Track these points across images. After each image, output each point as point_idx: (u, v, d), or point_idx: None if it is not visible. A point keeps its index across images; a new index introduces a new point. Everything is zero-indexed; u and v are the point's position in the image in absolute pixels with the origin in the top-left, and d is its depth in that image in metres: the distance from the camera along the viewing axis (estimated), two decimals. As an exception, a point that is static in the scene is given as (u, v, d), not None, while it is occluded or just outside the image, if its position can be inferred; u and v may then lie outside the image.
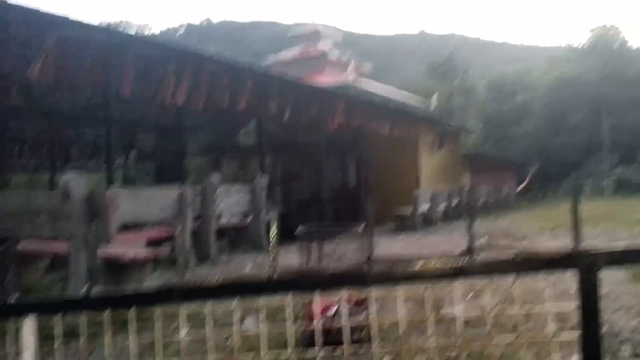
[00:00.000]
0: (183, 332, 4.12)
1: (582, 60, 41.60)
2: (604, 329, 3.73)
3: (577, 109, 38.66)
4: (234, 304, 1.22)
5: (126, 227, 8.23)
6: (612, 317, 4.31)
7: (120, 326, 1.44)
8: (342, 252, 3.99)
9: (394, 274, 0.89)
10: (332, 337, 3.91)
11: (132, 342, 1.18)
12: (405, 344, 3.81)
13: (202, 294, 0.92)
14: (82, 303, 0.95)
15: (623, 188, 31.11)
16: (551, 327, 1.42)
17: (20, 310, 0.99)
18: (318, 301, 3.79)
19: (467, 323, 4.35)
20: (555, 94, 40.36)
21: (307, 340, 3.98)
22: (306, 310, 3.93)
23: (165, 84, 9.11)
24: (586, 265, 0.99)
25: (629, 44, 44.34)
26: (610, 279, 5.34)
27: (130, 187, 14.72)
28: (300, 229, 3.70)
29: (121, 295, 0.97)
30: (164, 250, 4.94)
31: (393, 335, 4.10)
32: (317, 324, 3.93)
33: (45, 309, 0.99)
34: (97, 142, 17.53)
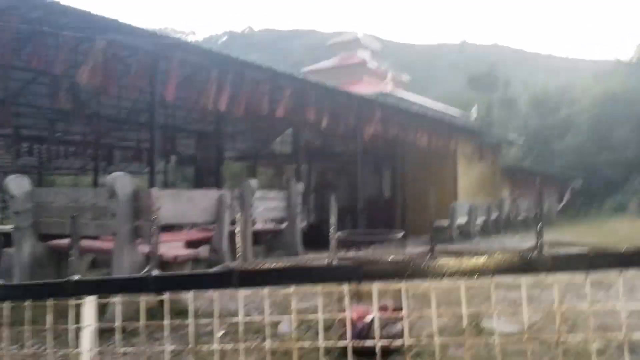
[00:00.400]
0: (220, 333, 4.12)
1: (629, 75, 40.47)
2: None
3: (623, 125, 37.57)
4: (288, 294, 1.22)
5: (166, 228, 8.40)
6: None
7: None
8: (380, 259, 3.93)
9: (453, 266, 0.86)
10: (366, 348, 3.89)
11: (190, 326, 1.18)
12: (443, 358, 3.76)
13: (260, 278, 0.92)
14: (142, 283, 0.97)
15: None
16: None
17: (82, 290, 1.02)
18: (352, 308, 3.78)
19: (507, 338, 4.26)
20: (600, 108, 39.34)
21: (341, 348, 3.97)
22: (340, 317, 3.90)
23: (207, 89, 9.28)
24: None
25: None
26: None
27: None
28: (339, 234, 3.68)
29: (181, 276, 0.98)
30: (203, 251, 5.02)
31: (430, 348, 4.06)
32: (353, 333, 3.92)
33: (106, 288, 1.02)
34: (140, 146, 17.99)
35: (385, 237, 4.02)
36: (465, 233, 14.35)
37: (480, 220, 15.65)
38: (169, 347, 1.25)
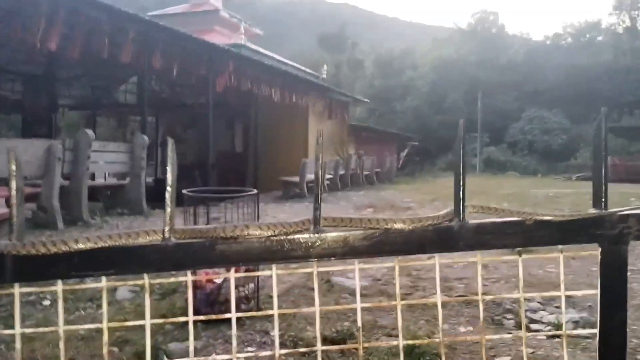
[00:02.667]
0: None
1: (463, 43, 43.98)
2: (488, 298, 3.83)
3: (456, 89, 40.95)
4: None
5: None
6: (493, 288, 4.49)
7: None
8: (230, 218, 3.72)
9: (349, 244, 0.64)
10: (218, 309, 3.67)
11: None
12: (295, 315, 3.68)
13: (52, 266, 0.61)
14: None
15: (491, 166, 33.65)
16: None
17: None
18: (203, 270, 3.52)
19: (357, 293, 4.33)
20: (437, 73, 42.37)
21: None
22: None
23: (34, 25, 8.09)
24: (615, 235, 0.71)
25: (506, 29, 47.59)
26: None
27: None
28: (185, 192, 3.36)
29: None
30: (25, 210, 4.33)
31: (282, 306, 3.97)
32: (202, 294, 3.67)
33: None
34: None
35: (237, 195, 3.77)
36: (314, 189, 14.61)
37: (328, 176, 16.03)
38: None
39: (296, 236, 0.63)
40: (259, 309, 3.72)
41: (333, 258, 0.63)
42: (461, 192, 0.68)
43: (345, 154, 19.60)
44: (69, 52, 8.99)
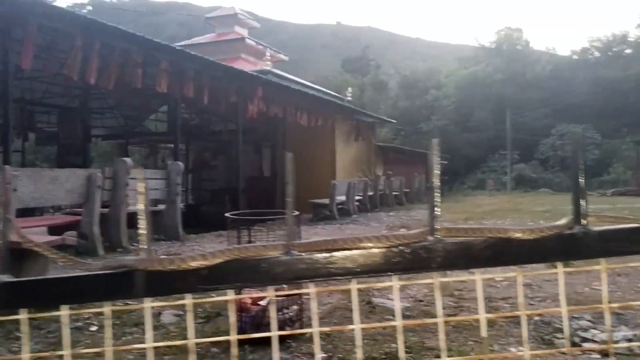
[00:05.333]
0: (94, 328, 3.65)
1: (488, 60, 43.83)
2: (537, 318, 3.73)
3: (483, 107, 40.72)
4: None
5: (25, 212, 7.48)
6: (539, 307, 4.39)
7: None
8: (271, 239, 3.73)
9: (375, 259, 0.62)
10: (263, 331, 3.67)
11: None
12: (340, 336, 3.65)
13: (184, 280, 0.62)
14: None
15: (522, 183, 33.17)
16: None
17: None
18: (247, 293, 3.54)
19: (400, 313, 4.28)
20: (463, 92, 42.24)
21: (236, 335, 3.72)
22: (236, 302, 3.64)
23: (72, 60, 8.35)
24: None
25: (531, 45, 47.27)
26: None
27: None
28: (228, 215, 3.41)
29: (45, 282, 0.63)
30: (70, 237, 4.41)
31: (326, 326, 3.94)
32: (246, 317, 3.67)
33: None
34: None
35: (276, 217, 3.81)
36: (345, 210, 14.60)
37: (357, 197, 16.02)
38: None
39: (417, 247, 0.63)
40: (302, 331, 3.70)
41: (455, 269, 0.64)
42: (580, 199, 0.68)
43: (373, 174, 19.58)
44: (104, 84, 9.24)
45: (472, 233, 0.64)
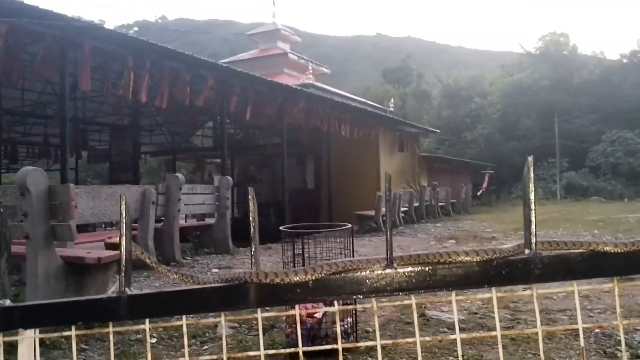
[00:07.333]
0: (153, 340, 3.76)
1: (533, 67, 42.90)
2: (597, 330, 3.63)
3: (529, 114, 39.83)
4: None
5: (83, 228, 7.77)
6: (599, 319, 4.26)
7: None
8: (326, 252, 3.79)
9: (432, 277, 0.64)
10: (319, 344, 3.70)
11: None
12: (396, 349, 3.65)
13: (170, 303, 0.67)
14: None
15: (572, 192, 32.17)
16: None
17: (18, 322, 0.72)
18: (302, 305, 3.58)
19: (454, 326, 4.23)
20: (508, 99, 41.46)
21: (290, 347, 3.76)
22: (288, 315, 3.69)
23: (124, 79, 8.67)
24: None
25: (578, 50, 45.96)
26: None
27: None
28: (282, 228, 3.49)
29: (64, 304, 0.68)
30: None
31: (381, 339, 3.95)
32: (303, 330, 3.72)
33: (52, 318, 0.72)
34: (47, 141, 16.75)
35: (330, 230, 3.84)
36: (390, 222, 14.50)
37: (403, 208, 15.91)
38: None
39: (515, 260, 0.65)
40: (357, 342, 3.71)
41: (552, 281, 0.66)
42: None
43: (418, 185, 19.42)
44: (157, 103, 9.53)
45: (568, 247, 0.66)
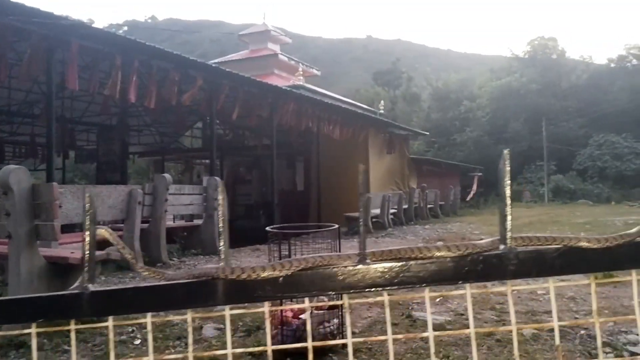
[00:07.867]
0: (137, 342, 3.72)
1: (522, 70, 43.21)
2: (582, 332, 3.65)
3: (518, 117, 40.09)
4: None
5: (65, 228, 7.68)
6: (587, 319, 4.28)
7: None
8: (313, 253, 3.75)
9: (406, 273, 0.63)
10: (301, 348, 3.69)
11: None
12: (381, 349, 3.63)
13: (135, 300, 0.64)
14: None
15: (560, 195, 32.41)
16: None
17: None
18: (288, 306, 3.56)
19: (440, 327, 4.23)
20: (497, 102, 41.70)
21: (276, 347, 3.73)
22: (275, 316, 3.67)
23: (112, 79, 8.59)
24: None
25: (567, 54, 46.33)
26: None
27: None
28: (269, 229, 3.47)
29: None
30: (114, 252, 4.52)
31: (366, 343, 3.93)
32: (288, 330, 3.69)
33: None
34: (34, 141, 16.60)
35: (317, 230, 3.84)
36: (380, 224, 14.53)
37: (392, 210, 15.92)
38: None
39: (489, 255, 0.64)
40: (344, 345, 3.70)
41: (527, 277, 0.64)
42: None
43: (407, 187, 19.45)
44: (144, 102, 9.47)
45: (544, 241, 0.65)
